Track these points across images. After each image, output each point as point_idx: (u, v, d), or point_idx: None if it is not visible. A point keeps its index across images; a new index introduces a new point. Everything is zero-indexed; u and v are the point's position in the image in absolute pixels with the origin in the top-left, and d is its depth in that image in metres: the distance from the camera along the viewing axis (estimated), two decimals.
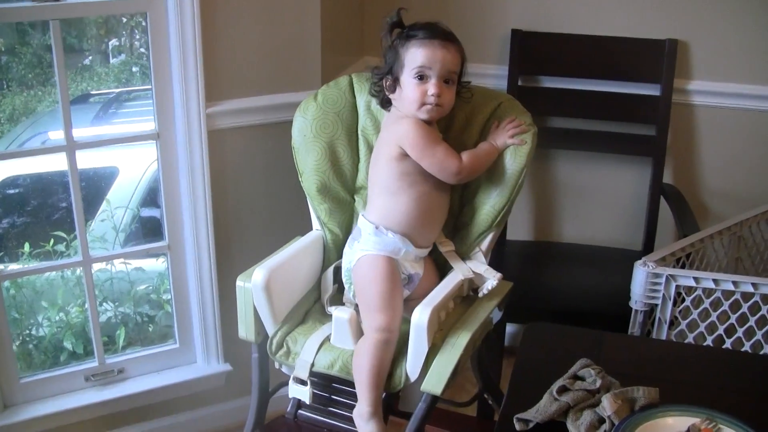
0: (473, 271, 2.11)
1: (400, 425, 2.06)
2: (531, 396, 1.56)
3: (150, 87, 2.39)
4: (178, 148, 2.44)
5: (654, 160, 2.81)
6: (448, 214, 2.16)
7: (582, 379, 1.59)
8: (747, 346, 2.31)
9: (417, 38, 1.99)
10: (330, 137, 2.19)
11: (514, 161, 2.06)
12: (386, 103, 2.09)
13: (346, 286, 2.14)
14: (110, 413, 2.57)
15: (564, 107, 2.89)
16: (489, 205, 2.09)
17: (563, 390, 1.55)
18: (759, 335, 2.29)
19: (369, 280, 2.04)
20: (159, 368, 2.67)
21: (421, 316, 1.91)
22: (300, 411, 2.15)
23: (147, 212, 2.95)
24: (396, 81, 2.02)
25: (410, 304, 2.04)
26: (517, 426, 1.50)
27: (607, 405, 1.48)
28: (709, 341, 2.32)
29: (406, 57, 1.98)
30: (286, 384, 2.12)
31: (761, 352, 2.31)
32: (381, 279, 2.02)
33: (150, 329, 2.89)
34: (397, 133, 2.02)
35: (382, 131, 2.13)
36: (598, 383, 1.55)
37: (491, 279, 2.12)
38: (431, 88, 1.96)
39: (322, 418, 2.12)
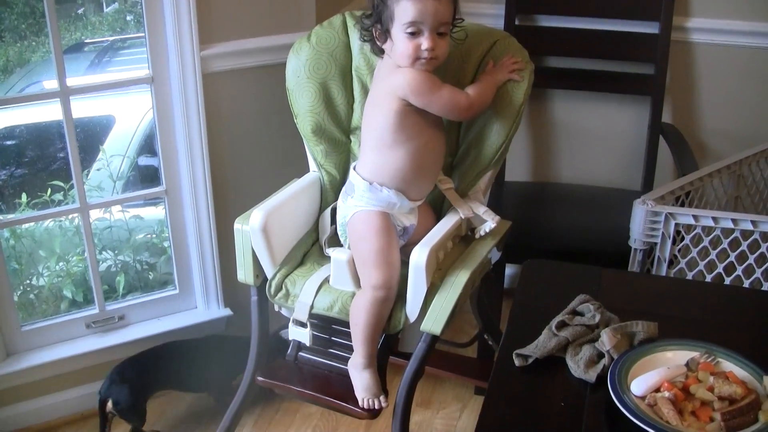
0: (473, 211, 2.10)
1: (400, 366, 2.07)
2: (530, 332, 1.57)
3: (143, 34, 2.36)
4: (172, 92, 2.41)
5: (653, 99, 2.79)
6: (446, 152, 2.14)
7: (581, 314, 1.59)
8: (746, 284, 2.31)
9: None
10: (324, 78, 2.16)
11: (511, 98, 2.04)
12: (379, 51, 2.00)
13: (342, 239, 2.13)
14: (111, 360, 2.57)
15: (561, 46, 2.87)
16: (487, 143, 2.07)
17: (562, 325, 1.55)
18: (758, 273, 2.29)
19: (364, 236, 2.01)
20: (159, 314, 2.68)
21: (419, 256, 1.90)
22: (300, 353, 2.15)
23: (144, 161, 2.94)
24: (386, 33, 1.92)
25: (407, 249, 2.03)
26: (516, 361, 1.50)
27: (606, 339, 1.49)
28: (708, 279, 2.32)
29: (396, 10, 1.87)
30: (287, 326, 2.13)
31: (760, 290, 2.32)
32: (376, 235, 1.99)
33: (150, 277, 2.89)
34: (395, 84, 1.93)
35: (377, 80, 2.05)
36: (597, 318, 1.56)
37: (489, 221, 2.11)
38: (424, 42, 1.87)
39: (322, 360, 2.13)
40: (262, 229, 2.02)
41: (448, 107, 1.96)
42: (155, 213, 2.89)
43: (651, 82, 2.78)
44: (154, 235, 2.95)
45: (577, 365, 1.48)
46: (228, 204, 2.58)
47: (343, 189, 2.10)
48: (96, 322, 2.58)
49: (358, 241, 2.02)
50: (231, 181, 2.59)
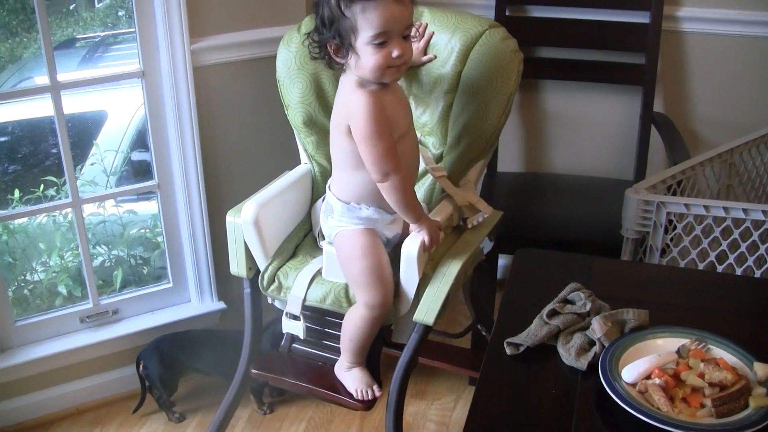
0: (466, 199, 2.10)
1: (394, 357, 2.07)
2: (521, 321, 1.57)
3: (134, 29, 2.35)
4: (163, 86, 2.41)
5: (644, 88, 2.79)
6: (436, 143, 2.14)
7: (572, 302, 1.59)
8: (738, 272, 2.31)
9: (363, 0, 1.72)
10: (314, 69, 2.16)
11: (501, 87, 2.04)
12: (335, 65, 1.87)
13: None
14: (105, 354, 2.59)
15: (552, 37, 2.87)
16: (477, 132, 2.07)
17: (553, 314, 1.56)
18: (750, 261, 2.30)
19: (352, 256, 1.96)
20: (153, 308, 2.69)
21: (410, 247, 1.90)
22: (294, 345, 2.15)
23: (137, 155, 2.94)
24: (348, 47, 1.78)
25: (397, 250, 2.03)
26: (508, 350, 1.50)
27: (597, 327, 1.49)
28: (700, 268, 2.32)
29: (359, 22, 1.73)
30: (279, 320, 2.13)
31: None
32: (365, 254, 1.94)
33: (145, 271, 2.89)
34: (349, 108, 1.84)
35: (338, 100, 1.93)
36: (588, 306, 1.56)
37: (482, 211, 2.11)
38: (395, 50, 1.75)
39: (316, 351, 2.13)
40: (254, 221, 2.02)
41: (370, 161, 1.83)
42: (149, 207, 2.89)
43: (642, 72, 2.78)
44: (147, 230, 2.94)
45: (568, 353, 1.48)
46: (220, 197, 2.59)
47: (323, 207, 2.05)
48: (90, 316, 2.58)
49: (347, 262, 1.99)
50: (223, 174, 2.59)
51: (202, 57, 2.40)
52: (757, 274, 2.33)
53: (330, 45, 1.81)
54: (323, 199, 2.12)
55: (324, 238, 2.09)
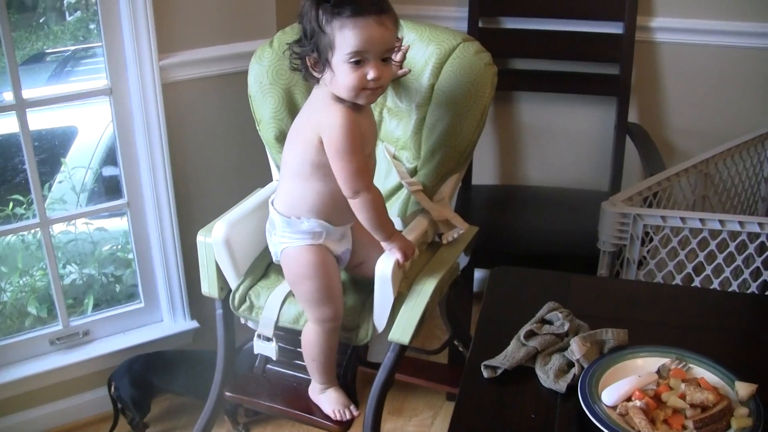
0: (442, 214, 2.08)
1: (370, 376, 2.04)
2: (498, 342, 1.54)
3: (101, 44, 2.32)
4: (132, 103, 2.38)
5: (618, 99, 2.78)
6: (410, 157, 2.12)
7: (550, 322, 1.57)
8: (715, 284, 2.30)
9: (346, 16, 1.67)
10: (287, 83, 2.13)
11: (475, 99, 2.02)
12: (314, 80, 1.82)
13: None
14: (77, 376, 2.54)
15: (526, 48, 2.85)
16: (452, 145, 2.04)
17: (531, 335, 1.53)
18: (727, 272, 2.29)
19: (301, 275, 1.91)
20: (125, 329, 2.64)
21: (384, 266, 1.87)
22: (268, 366, 2.12)
23: (109, 171, 2.89)
24: (325, 62, 1.73)
25: (360, 269, 2.02)
26: (485, 373, 1.48)
27: (575, 348, 1.46)
28: (677, 280, 2.31)
29: (336, 39, 1.68)
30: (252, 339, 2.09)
31: (729, 290, 2.31)
32: (313, 273, 1.89)
33: (117, 289, 2.84)
34: (322, 122, 1.78)
35: (306, 109, 1.89)
36: (566, 327, 1.53)
37: (458, 227, 2.09)
38: (370, 72, 1.70)
39: (291, 372, 2.10)
40: (225, 241, 1.99)
41: (343, 177, 1.78)
42: (120, 225, 2.84)
43: (616, 83, 2.77)
44: (119, 247, 2.90)
45: (546, 375, 1.45)
46: (192, 214, 2.55)
47: (267, 224, 2.00)
48: (60, 338, 2.53)
49: (296, 280, 1.94)
50: (194, 191, 2.55)
51: (171, 73, 2.36)
52: (734, 285, 2.32)
53: (309, 58, 1.77)
54: None
55: None
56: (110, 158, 2.79)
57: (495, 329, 1.61)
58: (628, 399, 1.37)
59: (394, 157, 2.16)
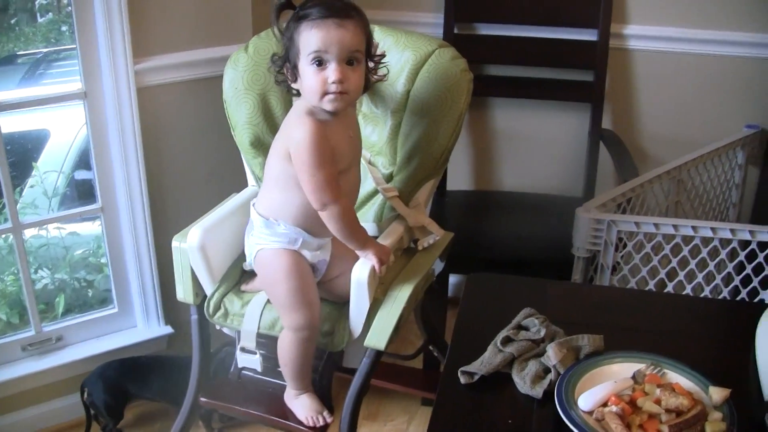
0: (418, 221, 2.08)
1: (346, 381, 2.04)
2: (475, 348, 1.54)
3: (75, 46, 2.30)
4: (106, 107, 2.36)
5: (592, 105, 2.80)
6: (385, 163, 2.12)
7: (526, 329, 1.57)
8: (688, 289, 2.33)
9: (309, 19, 1.73)
10: (263, 89, 2.13)
11: (451, 106, 2.03)
12: (296, 93, 1.86)
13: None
14: (49, 382, 2.52)
15: (501, 54, 2.87)
16: (428, 151, 2.05)
17: (507, 341, 1.54)
18: (699, 278, 2.31)
19: (274, 279, 1.92)
20: (98, 334, 2.62)
21: (360, 272, 1.88)
22: (243, 371, 2.10)
23: (82, 175, 2.86)
24: (295, 69, 1.79)
25: (335, 283, 2.01)
26: (462, 379, 1.48)
27: (552, 354, 1.47)
28: (651, 285, 2.34)
29: (300, 41, 1.74)
30: (228, 345, 2.08)
31: (702, 295, 2.34)
32: (287, 276, 1.90)
33: (89, 294, 2.82)
34: (291, 135, 1.81)
35: (285, 122, 1.90)
36: (543, 333, 1.54)
37: (433, 233, 2.10)
38: (331, 74, 1.72)
39: (266, 378, 2.08)
40: (200, 247, 1.98)
41: (309, 189, 1.80)
42: (92, 229, 2.81)
43: (590, 89, 2.79)
44: (91, 251, 2.87)
45: (523, 381, 1.46)
46: (167, 219, 2.53)
47: (247, 226, 2.01)
48: (32, 344, 2.50)
49: (270, 283, 1.96)
50: (169, 196, 2.54)
51: (146, 77, 2.35)
52: (707, 290, 2.34)
53: (286, 69, 1.81)
54: None
55: None
56: (83, 162, 2.77)
57: (472, 335, 1.61)
58: (604, 404, 1.38)
59: (370, 162, 2.16)
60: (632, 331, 1.66)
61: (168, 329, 2.65)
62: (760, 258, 2.27)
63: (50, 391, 2.54)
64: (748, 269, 2.31)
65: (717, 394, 1.40)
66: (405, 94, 2.09)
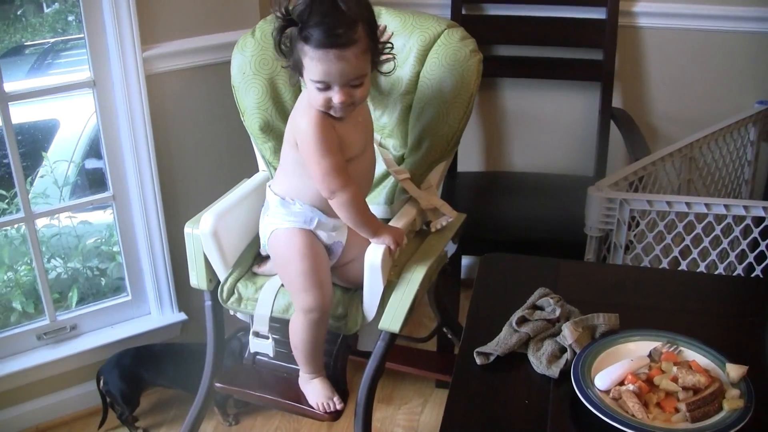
0: (431, 202, 2.08)
1: (360, 364, 2.04)
2: (490, 328, 1.54)
3: (83, 35, 2.29)
4: (115, 95, 2.36)
5: (602, 84, 2.78)
6: (396, 145, 2.11)
7: (541, 308, 1.57)
8: (702, 267, 2.32)
9: (310, 45, 1.69)
10: (270, 73, 2.12)
11: (462, 87, 2.02)
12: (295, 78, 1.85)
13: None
14: (65, 371, 2.52)
15: (509, 35, 2.85)
16: (440, 133, 2.04)
17: (522, 321, 1.53)
18: (713, 255, 2.30)
19: (287, 258, 1.92)
20: (112, 322, 2.62)
21: (374, 255, 1.87)
22: (258, 356, 2.11)
23: (92, 164, 2.86)
24: (300, 73, 1.77)
25: (349, 268, 2.00)
26: (478, 360, 1.48)
27: (567, 334, 1.47)
28: (664, 264, 2.33)
29: (304, 61, 1.72)
30: (243, 330, 2.08)
31: (716, 272, 2.33)
32: (300, 256, 1.89)
33: (102, 283, 2.82)
34: (297, 125, 1.82)
35: (295, 109, 1.91)
36: (558, 312, 1.54)
37: (446, 215, 2.09)
38: (335, 97, 1.73)
39: (281, 363, 2.09)
40: (212, 233, 1.98)
41: (316, 177, 1.81)
42: (104, 218, 2.82)
43: (600, 68, 2.77)
44: (103, 240, 2.88)
45: (539, 361, 1.46)
46: (178, 206, 2.53)
47: (263, 208, 2.02)
48: (47, 333, 2.51)
49: (281, 263, 1.96)
50: (180, 182, 2.54)
51: (154, 64, 2.35)
52: (720, 268, 2.34)
53: (289, 60, 1.78)
54: None
55: None
56: (93, 151, 2.77)
57: (486, 316, 1.62)
58: (621, 383, 1.38)
59: (380, 144, 2.16)
60: (647, 310, 1.65)
61: (182, 316, 2.66)
62: None
63: (66, 379, 2.55)
64: (762, 246, 2.29)
65: (734, 371, 1.40)
66: (415, 75, 2.08)
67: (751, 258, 2.35)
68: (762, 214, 2.22)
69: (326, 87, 1.73)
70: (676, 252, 2.31)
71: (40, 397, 2.54)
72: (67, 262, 2.80)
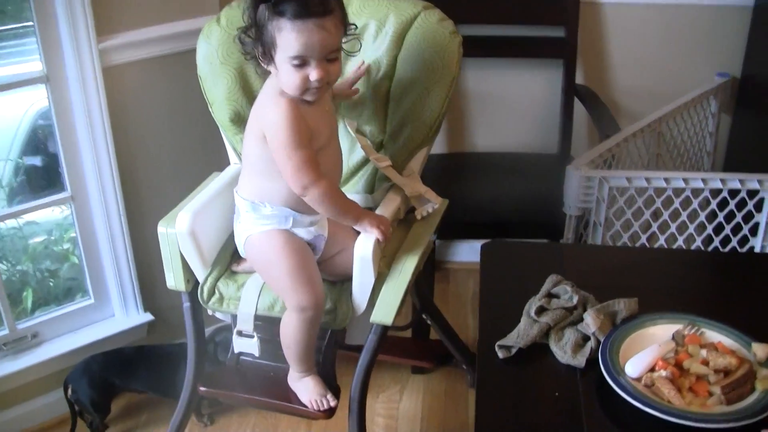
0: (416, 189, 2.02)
1: (350, 358, 1.99)
2: (504, 320, 1.51)
3: (32, 23, 2.16)
4: (71, 90, 2.24)
5: (565, 61, 2.77)
6: (375, 131, 2.05)
7: (556, 296, 1.54)
8: (680, 241, 2.33)
9: (287, 18, 1.62)
10: (239, 62, 2.02)
11: (443, 71, 1.97)
12: (262, 68, 1.78)
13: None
14: (29, 381, 2.41)
15: (470, 14, 2.80)
16: (422, 118, 1.99)
17: (541, 310, 1.50)
18: (691, 229, 2.31)
19: (268, 261, 1.85)
20: (76, 327, 2.51)
21: (365, 248, 1.81)
22: (242, 357, 2.03)
23: (33, 161, 2.73)
24: (269, 58, 1.70)
25: (336, 260, 1.94)
26: (500, 353, 1.43)
27: (590, 322, 1.44)
28: (643, 239, 2.33)
29: (278, 40, 1.65)
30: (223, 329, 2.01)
31: (693, 246, 2.33)
32: (281, 255, 1.82)
33: (56, 285, 2.70)
34: (265, 116, 1.75)
35: (258, 102, 1.84)
36: (575, 299, 1.50)
37: (431, 202, 2.04)
38: (313, 73, 1.66)
39: (266, 362, 2.01)
40: (190, 232, 1.89)
41: (287, 173, 1.74)
42: (52, 216, 2.69)
43: (563, 45, 2.76)
44: (53, 239, 2.75)
45: (563, 351, 1.42)
46: (141, 203, 2.44)
47: (234, 215, 1.94)
48: (7, 343, 2.39)
49: (264, 269, 1.89)
50: (143, 179, 2.44)
51: (112, 56, 2.24)
52: (698, 241, 2.34)
53: (257, 50, 1.72)
54: None
55: None
56: (32, 147, 2.64)
57: (499, 307, 1.58)
58: (652, 369, 1.35)
59: (358, 131, 2.09)
60: (659, 291, 1.63)
61: (148, 316, 2.56)
62: (750, 206, 2.27)
63: (32, 389, 2.44)
64: (738, 218, 2.30)
65: (761, 350, 1.39)
66: (392, 59, 2.01)
67: (727, 230, 2.36)
68: (738, 186, 2.23)
69: (303, 63, 1.66)
70: (654, 227, 2.31)
71: (6, 409, 2.43)
72: (15, 266, 2.67)
